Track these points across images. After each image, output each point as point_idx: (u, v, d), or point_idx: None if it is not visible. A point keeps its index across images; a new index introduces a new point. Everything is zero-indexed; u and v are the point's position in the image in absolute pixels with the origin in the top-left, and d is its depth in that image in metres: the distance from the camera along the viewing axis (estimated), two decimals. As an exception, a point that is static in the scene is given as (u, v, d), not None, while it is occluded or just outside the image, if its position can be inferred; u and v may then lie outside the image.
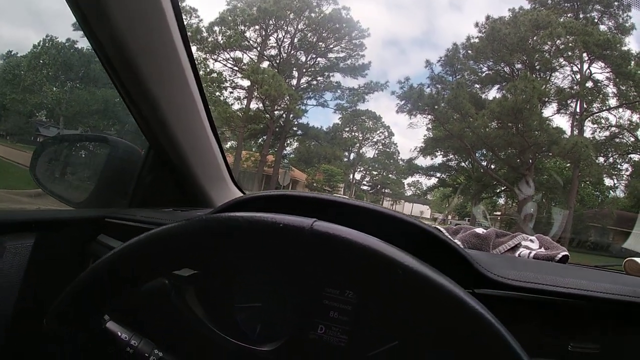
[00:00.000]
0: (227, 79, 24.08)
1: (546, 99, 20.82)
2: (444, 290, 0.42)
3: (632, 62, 19.53)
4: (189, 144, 1.07)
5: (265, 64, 24.25)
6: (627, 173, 20.64)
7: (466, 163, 24.34)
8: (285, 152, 27.31)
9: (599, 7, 20.18)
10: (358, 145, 28.80)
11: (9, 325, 0.85)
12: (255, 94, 23.54)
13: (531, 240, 1.28)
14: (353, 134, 28.66)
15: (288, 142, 27.39)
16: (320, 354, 0.70)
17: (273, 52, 25.03)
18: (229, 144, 23.89)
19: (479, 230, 1.31)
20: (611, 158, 20.99)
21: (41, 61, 16.48)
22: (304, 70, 25.74)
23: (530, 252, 1.20)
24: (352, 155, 29.07)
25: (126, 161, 1.20)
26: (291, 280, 0.74)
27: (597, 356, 0.70)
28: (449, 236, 1.05)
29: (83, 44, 17.62)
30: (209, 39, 23.05)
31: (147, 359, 0.60)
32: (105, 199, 1.20)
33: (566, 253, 1.16)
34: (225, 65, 23.92)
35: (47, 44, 16.84)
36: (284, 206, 0.51)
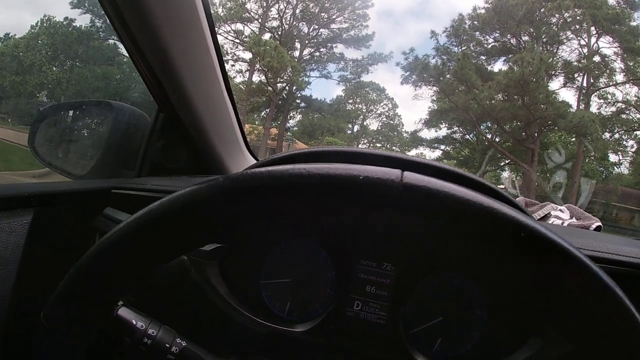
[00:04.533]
0: (228, 52, 23.77)
1: (553, 72, 20.62)
2: (569, 254, 0.37)
3: (641, 38, 19.18)
4: (205, 106, 0.98)
5: (267, 36, 23.87)
6: (633, 150, 20.63)
7: (471, 136, 24.20)
8: (288, 124, 27.12)
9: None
10: (362, 117, 28.57)
11: (8, 313, 0.76)
12: (257, 66, 23.22)
13: (561, 210, 1.23)
14: (357, 105, 28.43)
15: (291, 114, 27.16)
16: (359, 333, 0.65)
17: (275, 23, 24.58)
18: (232, 118, 23.98)
19: (509, 199, 1.26)
20: (617, 134, 20.88)
21: (39, 42, 16.37)
22: (307, 41, 25.27)
23: (562, 222, 1.15)
24: (355, 128, 28.88)
25: (133, 127, 1.10)
26: (328, 252, 0.67)
27: None
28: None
29: (81, 22, 17.50)
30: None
31: (169, 350, 0.52)
32: (111, 170, 1.11)
33: (599, 223, 1.11)
34: (226, 38, 23.58)
35: (44, 24, 16.71)
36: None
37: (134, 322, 0.52)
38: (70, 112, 1.32)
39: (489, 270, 0.43)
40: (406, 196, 0.35)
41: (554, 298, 0.39)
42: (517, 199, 1.26)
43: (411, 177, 0.36)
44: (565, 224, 1.14)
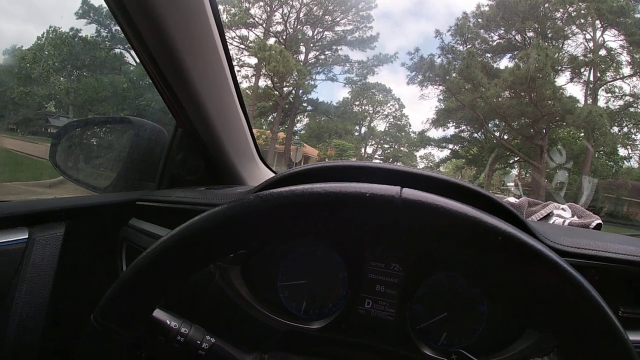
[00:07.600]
0: (234, 58, 23.73)
1: (559, 68, 20.43)
2: (541, 255, 0.43)
3: (647, 30, 18.94)
4: (221, 121, 1.03)
5: (271, 41, 24.03)
6: (642, 143, 20.27)
7: (479, 134, 24.05)
8: (295, 128, 27.21)
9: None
10: (369, 118, 28.49)
11: (45, 320, 0.82)
12: (263, 71, 23.44)
13: (563, 209, 1.26)
14: (363, 107, 28.40)
15: (298, 118, 27.28)
16: (370, 329, 0.70)
17: (279, 28, 24.76)
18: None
19: (512, 199, 1.30)
20: (625, 127, 20.61)
21: (46, 52, 16.43)
22: (312, 45, 25.37)
23: (564, 221, 1.18)
24: (363, 129, 28.78)
25: (153, 142, 1.16)
26: (341, 255, 0.73)
27: None
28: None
29: (87, 32, 17.66)
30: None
31: (200, 346, 0.58)
32: (132, 182, 1.17)
33: (600, 221, 1.14)
34: (231, 44, 23.62)
35: (50, 35, 16.82)
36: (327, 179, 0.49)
37: (168, 322, 0.57)
38: (90, 128, 1.37)
39: (481, 271, 0.49)
40: (404, 210, 0.42)
41: (531, 295, 0.45)
42: (520, 199, 1.30)
43: (409, 193, 0.43)
44: (567, 222, 1.17)
